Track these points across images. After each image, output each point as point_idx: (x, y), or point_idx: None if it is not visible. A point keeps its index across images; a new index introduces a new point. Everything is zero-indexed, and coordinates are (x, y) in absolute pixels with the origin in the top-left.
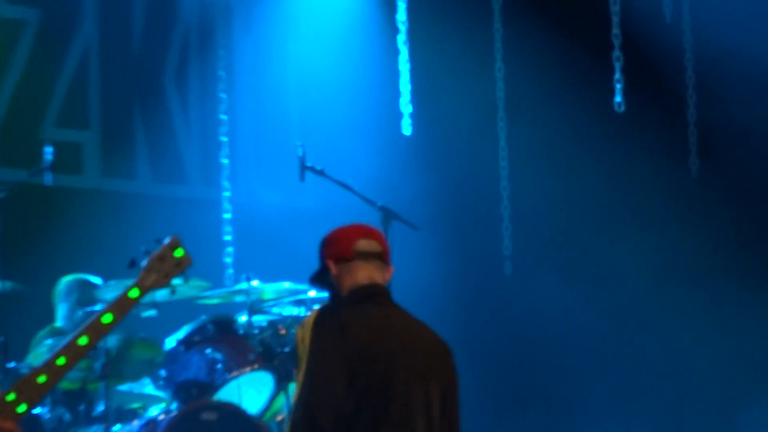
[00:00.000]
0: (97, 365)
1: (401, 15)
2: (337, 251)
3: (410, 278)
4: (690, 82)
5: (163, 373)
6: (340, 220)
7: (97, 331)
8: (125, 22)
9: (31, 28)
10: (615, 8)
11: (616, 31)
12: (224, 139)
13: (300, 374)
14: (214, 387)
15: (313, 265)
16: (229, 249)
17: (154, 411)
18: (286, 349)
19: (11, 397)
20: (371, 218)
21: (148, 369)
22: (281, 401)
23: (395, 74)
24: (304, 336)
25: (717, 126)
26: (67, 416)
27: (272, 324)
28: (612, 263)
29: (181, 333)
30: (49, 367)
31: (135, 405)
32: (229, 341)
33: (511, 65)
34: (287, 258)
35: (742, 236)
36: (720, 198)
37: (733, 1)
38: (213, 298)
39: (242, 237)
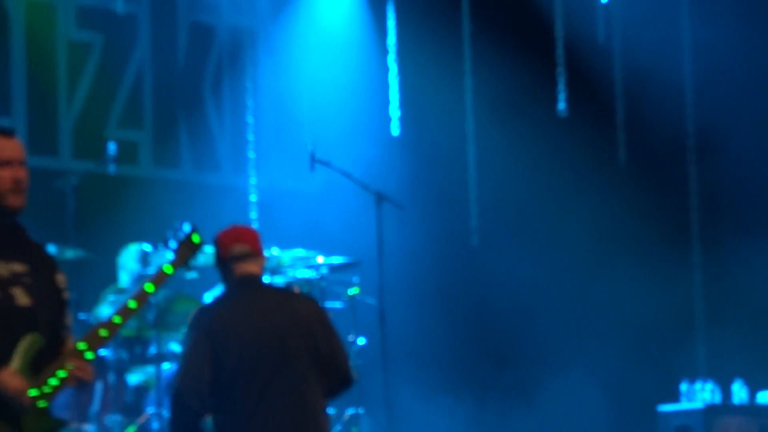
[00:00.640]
0: (150, 316)
1: (391, 39)
2: (218, 255)
3: (396, 248)
4: (619, 91)
5: None
6: (342, 201)
7: (142, 296)
8: (172, 43)
9: (96, 49)
10: (559, 33)
11: (559, 51)
12: (250, 137)
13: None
14: None
15: (321, 235)
16: (255, 224)
17: None
18: None
19: (81, 345)
20: (366, 200)
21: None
22: None
23: (386, 86)
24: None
25: (641, 127)
26: (126, 356)
27: (288, 284)
28: (560, 237)
29: (216, 291)
30: (108, 323)
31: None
32: None
33: (478, 78)
34: (300, 230)
35: (661, 214)
36: (643, 184)
37: (652, 27)
38: None
39: (264, 214)
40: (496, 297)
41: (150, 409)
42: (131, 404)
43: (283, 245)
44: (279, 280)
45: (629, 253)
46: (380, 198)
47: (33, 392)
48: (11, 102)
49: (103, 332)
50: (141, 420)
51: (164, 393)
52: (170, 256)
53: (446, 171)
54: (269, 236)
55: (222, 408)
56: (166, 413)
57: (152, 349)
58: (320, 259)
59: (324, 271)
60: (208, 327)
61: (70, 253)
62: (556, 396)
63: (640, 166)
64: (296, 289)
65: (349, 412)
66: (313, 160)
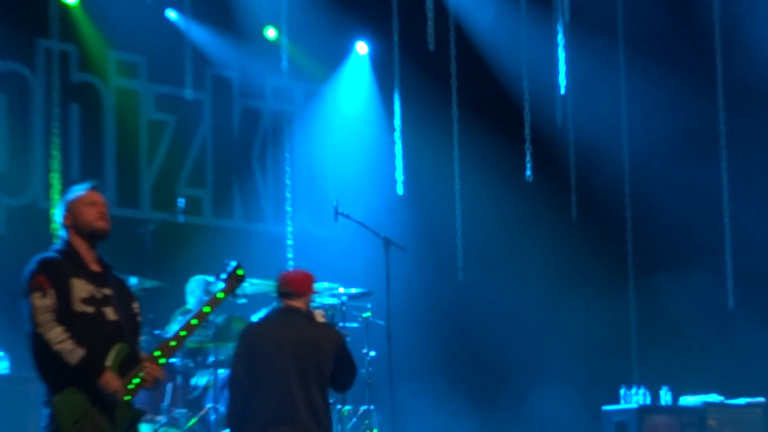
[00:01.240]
0: (210, 332)
1: (397, 120)
2: (276, 289)
3: (400, 281)
4: (572, 162)
5: None
6: (358, 245)
7: (201, 316)
8: (228, 122)
9: (170, 126)
10: (527, 117)
11: (527, 131)
12: (288, 194)
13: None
14: None
15: (342, 271)
16: (290, 262)
17: None
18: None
19: (156, 353)
20: (377, 244)
21: None
22: None
23: (392, 156)
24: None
25: (589, 189)
26: (191, 364)
27: (316, 308)
28: (527, 274)
29: (261, 313)
30: (176, 336)
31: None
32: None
33: (464, 151)
34: (326, 267)
35: (604, 256)
36: (590, 234)
37: (598, 114)
38: None
39: (298, 254)
40: (478, 320)
41: (208, 405)
42: (194, 401)
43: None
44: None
45: (580, 286)
46: (388, 243)
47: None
48: (104, 166)
49: (173, 343)
50: (201, 413)
51: (220, 392)
52: (221, 285)
53: (439, 222)
54: None
55: (249, 394)
56: (221, 408)
57: (211, 358)
58: (341, 290)
59: (344, 298)
60: (246, 338)
61: (149, 283)
62: (523, 397)
63: (588, 219)
64: (320, 317)
65: (363, 408)
66: (336, 212)
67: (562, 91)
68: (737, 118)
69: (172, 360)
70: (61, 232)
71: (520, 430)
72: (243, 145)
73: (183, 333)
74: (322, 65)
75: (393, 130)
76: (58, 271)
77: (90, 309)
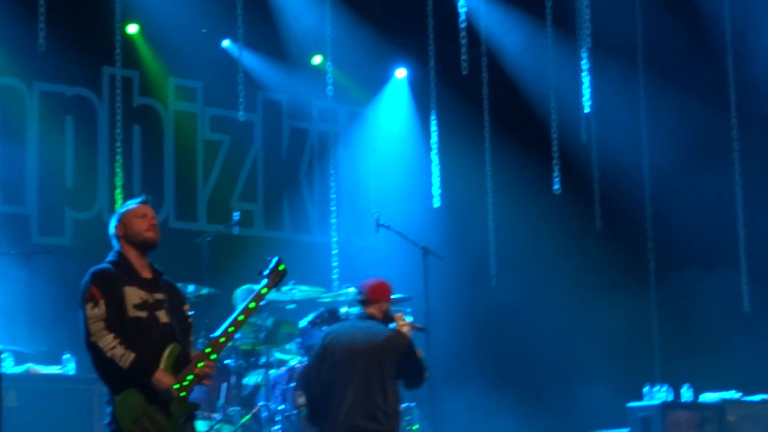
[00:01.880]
0: (261, 335)
1: (433, 139)
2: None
3: (438, 287)
4: (596, 176)
5: (298, 340)
6: (399, 254)
7: (247, 312)
8: (278, 141)
9: (224, 146)
10: (554, 134)
11: (555, 147)
12: (333, 208)
13: None
14: None
15: (382, 277)
16: (335, 270)
17: (293, 362)
18: None
19: (208, 350)
20: (416, 253)
21: (289, 338)
22: None
23: (429, 172)
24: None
25: (612, 201)
26: (244, 364)
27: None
28: (556, 280)
29: (309, 317)
30: (225, 333)
31: (285, 357)
32: (336, 322)
33: (496, 166)
34: (369, 274)
35: (626, 262)
36: (613, 243)
37: (620, 130)
38: (326, 298)
39: (343, 263)
40: (510, 323)
41: (260, 403)
42: (247, 399)
43: (357, 285)
44: (354, 310)
45: (605, 291)
46: (426, 252)
47: (176, 386)
48: (164, 183)
49: (222, 339)
50: (254, 411)
51: (271, 391)
52: (264, 281)
53: (473, 232)
54: (346, 279)
55: (323, 393)
56: (272, 406)
57: (262, 359)
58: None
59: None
60: (323, 341)
61: (205, 290)
62: (554, 394)
63: (611, 229)
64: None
65: (404, 405)
66: (378, 224)
67: (587, 110)
68: (749, 132)
69: (227, 361)
70: (114, 243)
71: (551, 426)
72: (291, 163)
73: (231, 329)
74: (364, 89)
75: (430, 148)
76: (110, 282)
77: (143, 314)
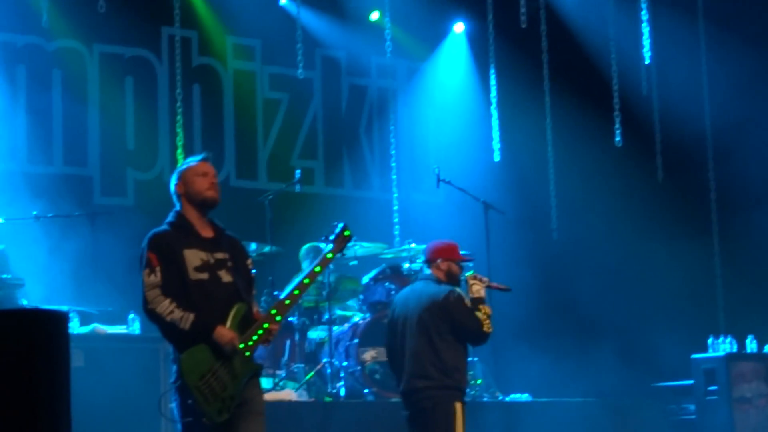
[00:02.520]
0: (324, 292)
1: (493, 93)
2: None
3: (499, 242)
4: (657, 128)
5: (361, 297)
6: (460, 209)
7: (312, 275)
8: (337, 99)
9: (284, 104)
10: (615, 87)
11: (615, 99)
12: (393, 164)
13: None
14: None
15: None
16: (397, 226)
17: (356, 318)
18: None
19: (273, 311)
20: (477, 208)
21: (353, 294)
22: None
23: (489, 127)
24: None
25: (674, 152)
26: (307, 321)
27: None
28: (617, 230)
29: (372, 273)
30: (290, 295)
31: (347, 314)
32: (398, 278)
33: (556, 119)
34: (430, 230)
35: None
36: (675, 193)
37: (680, 80)
38: (389, 254)
39: (403, 219)
40: (571, 276)
41: (324, 359)
42: (310, 356)
43: (418, 241)
44: (415, 266)
45: (667, 242)
46: (487, 206)
47: (241, 345)
48: (224, 142)
49: (287, 301)
50: (318, 367)
51: (334, 347)
52: (330, 246)
53: (533, 186)
54: (408, 235)
55: (390, 350)
56: (336, 362)
57: (325, 316)
58: None
59: None
60: (392, 305)
61: (267, 249)
62: (616, 346)
63: (673, 181)
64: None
65: (468, 360)
66: (438, 179)
67: (647, 61)
68: None
69: (290, 318)
70: (175, 201)
71: (615, 379)
72: (351, 120)
73: (296, 292)
74: (423, 44)
75: (489, 102)
76: (168, 246)
77: (204, 275)
